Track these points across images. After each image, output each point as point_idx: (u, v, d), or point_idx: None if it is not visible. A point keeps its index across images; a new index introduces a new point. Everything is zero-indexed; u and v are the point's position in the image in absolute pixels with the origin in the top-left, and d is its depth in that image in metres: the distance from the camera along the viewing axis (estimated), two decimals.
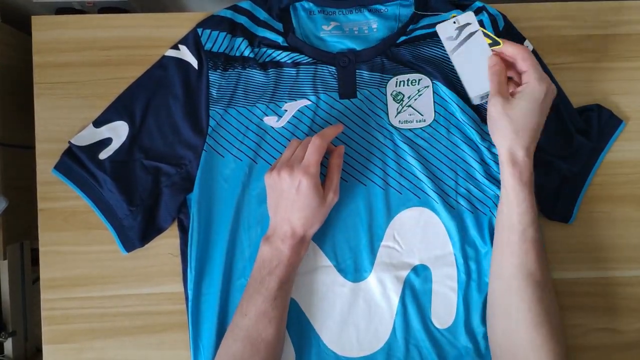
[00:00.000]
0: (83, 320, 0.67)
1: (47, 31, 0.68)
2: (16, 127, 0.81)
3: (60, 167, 0.65)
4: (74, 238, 0.67)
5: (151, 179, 0.65)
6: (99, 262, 0.67)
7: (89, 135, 0.66)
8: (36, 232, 0.67)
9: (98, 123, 0.66)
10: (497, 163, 0.65)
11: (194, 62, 0.66)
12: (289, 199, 0.58)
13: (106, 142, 0.66)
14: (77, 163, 0.65)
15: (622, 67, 0.69)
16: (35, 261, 1.01)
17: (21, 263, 0.96)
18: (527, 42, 0.66)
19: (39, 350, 1.02)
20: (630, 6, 0.70)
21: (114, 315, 0.67)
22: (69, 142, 0.66)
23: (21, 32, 0.82)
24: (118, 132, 0.66)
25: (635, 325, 0.68)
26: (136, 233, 0.65)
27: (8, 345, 0.95)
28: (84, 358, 0.67)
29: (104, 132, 0.66)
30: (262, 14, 0.67)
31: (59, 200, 0.66)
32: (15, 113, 0.81)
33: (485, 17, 0.66)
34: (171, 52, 0.67)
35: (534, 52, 0.66)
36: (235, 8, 0.67)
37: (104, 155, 0.65)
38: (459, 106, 0.65)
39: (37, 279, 0.68)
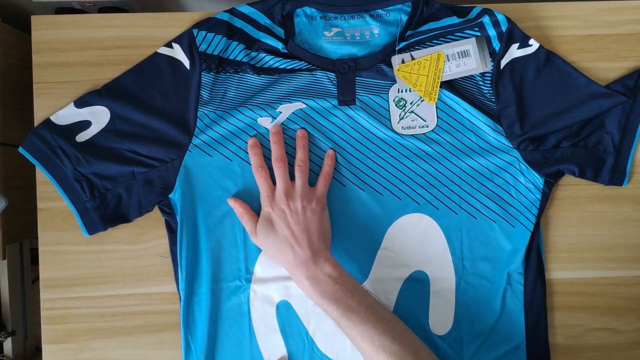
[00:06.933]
0: (82, 319, 0.67)
1: (46, 31, 0.68)
2: (16, 127, 0.81)
3: (27, 146, 0.64)
4: (73, 238, 0.67)
5: (126, 170, 0.64)
6: (99, 262, 0.67)
7: (68, 115, 0.65)
8: (36, 232, 0.67)
9: (80, 103, 0.66)
10: (501, 169, 0.65)
11: (185, 62, 0.66)
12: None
13: (85, 124, 0.65)
14: (45, 143, 0.64)
15: (622, 67, 0.69)
16: (34, 261, 1.01)
17: (21, 263, 0.97)
18: (532, 41, 0.66)
19: (38, 350, 1.02)
20: (630, 6, 0.70)
21: (113, 315, 0.67)
22: (49, 118, 0.65)
23: (21, 32, 0.82)
24: (99, 117, 0.65)
25: (635, 325, 0.68)
26: (99, 217, 0.64)
27: (8, 345, 0.95)
28: (83, 358, 0.67)
29: (84, 114, 0.65)
30: (263, 19, 0.67)
31: (59, 200, 0.66)
32: (15, 113, 0.81)
33: (486, 19, 0.66)
34: (164, 50, 0.67)
35: (543, 48, 0.66)
36: (233, 12, 0.67)
37: (81, 137, 0.64)
38: (462, 111, 0.66)
39: (37, 278, 0.68)
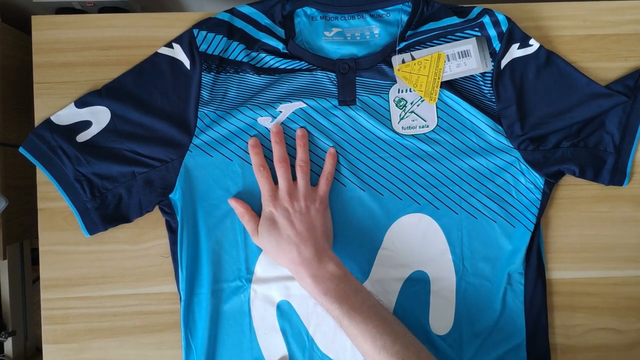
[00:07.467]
0: (83, 320, 0.67)
1: (46, 31, 0.68)
2: (16, 127, 0.81)
3: (27, 146, 0.64)
4: (74, 238, 0.67)
5: (126, 170, 0.64)
6: (99, 261, 0.67)
7: (69, 115, 0.65)
8: (36, 232, 0.67)
9: (81, 103, 0.66)
10: (501, 169, 0.65)
11: (186, 62, 0.66)
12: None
13: (85, 124, 0.65)
14: (45, 143, 0.64)
15: (622, 67, 0.69)
16: (35, 261, 1.01)
17: (21, 263, 0.97)
18: (532, 41, 0.66)
19: (39, 350, 1.02)
20: (630, 6, 0.70)
21: (113, 315, 0.67)
22: (50, 118, 0.65)
23: (21, 32, 0.82)
24: (99, 117, 0.65)
25: (636, 325, 0.68)
26: (100, 217, 0.64)
27: (8, 345, 0.95)
28: (83, 358, 0.67)
29: (84, 114, 0.65)
30: (263, 19, 0.67)
31: (59, 200, 0.66)
32: (15, 113, 0.81)
33: (487, 19, 0.66)
34: (164, 50, 0.67)
35: (543, 48, 0.66)
36: (234, 12, 0.67)
37: (82, 137, 0.64)
38: (462, 111, 0.65)
39: (37, 278, 0.68)
